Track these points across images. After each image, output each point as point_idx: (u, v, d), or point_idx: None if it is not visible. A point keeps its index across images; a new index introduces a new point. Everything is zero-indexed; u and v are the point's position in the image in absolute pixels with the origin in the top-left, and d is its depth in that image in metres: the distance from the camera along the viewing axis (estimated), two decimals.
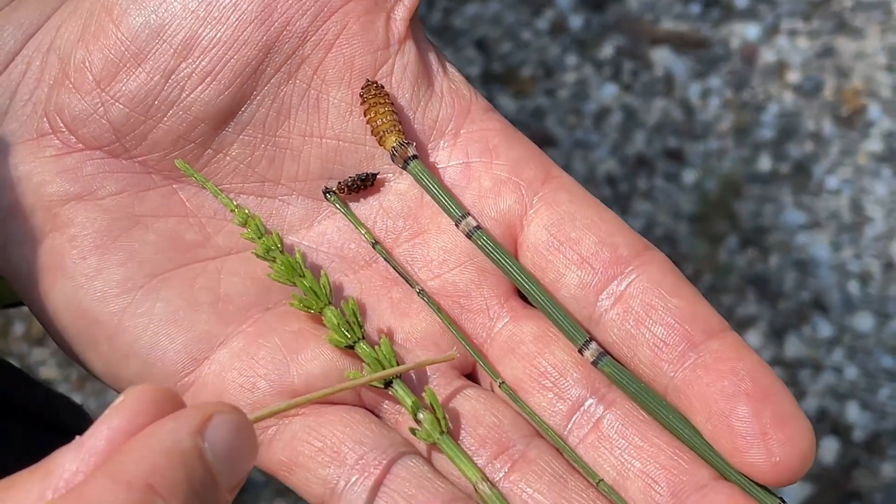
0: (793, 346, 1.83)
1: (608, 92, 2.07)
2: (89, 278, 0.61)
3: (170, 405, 0.46)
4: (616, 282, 0.59)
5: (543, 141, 1.97)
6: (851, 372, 1.82)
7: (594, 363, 0.59)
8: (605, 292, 0.60)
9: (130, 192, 0.62)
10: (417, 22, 0.64)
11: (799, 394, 1.78)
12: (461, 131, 0.64)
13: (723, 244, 1.92)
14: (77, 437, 0.45)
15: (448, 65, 0.65)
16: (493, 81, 2.06)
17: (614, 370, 0.58)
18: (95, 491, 0.42)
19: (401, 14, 0.63)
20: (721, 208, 1.95)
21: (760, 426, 0.55)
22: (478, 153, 0.63)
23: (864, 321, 1.85)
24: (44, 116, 0.62)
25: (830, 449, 1.76)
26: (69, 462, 0.44)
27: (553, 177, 0.62)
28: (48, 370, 1.84)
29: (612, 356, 0.59)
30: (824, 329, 1.85)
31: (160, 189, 0.63)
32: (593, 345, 0.59)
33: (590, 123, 2.03)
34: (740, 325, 1.83)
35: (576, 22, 2.13)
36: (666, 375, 0.57)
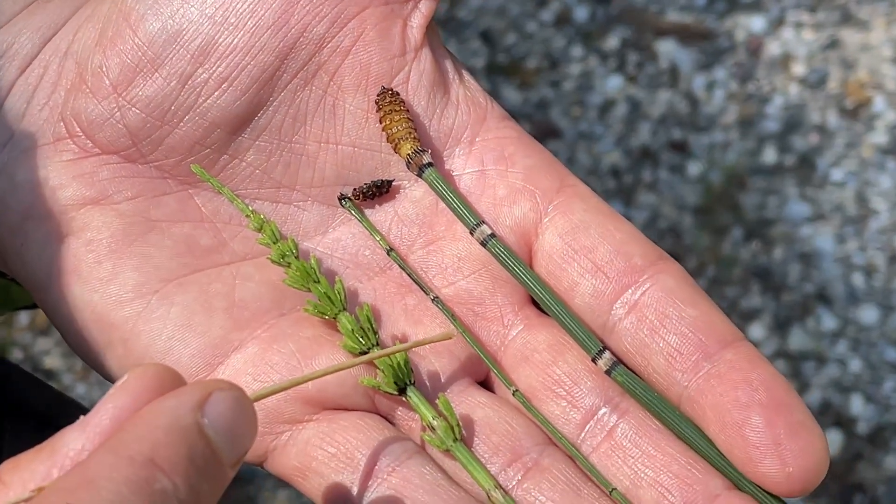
0: (797, 339, 1.83)
1: (613, 84, 2.07)
2: (104, 282, 0.61)
3: (172, 383, 0.47)
4: (630, 291, 0.60)
5: (548, 133, 1.97)
6: (855, 364, 1.82)
7: (607, 372, 0.59)
8: (619, 301, 0.60)
9: (146, 196, 0.62)
10: (434, 29, 0.64)
11: (803, 386, 1.79)
12: (477, 139, 0.64)
13: (727, 236, 1.92)
14: (82, 417, 0.46)
15: (464, 72, 0.65)
16: (497, 73, 2.06)
17: (627, 379, 0.59)
18: (98, 466, 0.43)
19: (417, 21, 0.63)
20: (725, 200, 1.95)
21: (774, 436, 0.55)
22: (493, 161, 0.63)
23: (868, 314, 1.86)
24: (60, 121, 0.62)
25: (834, 441, 1.76)
26: (74, 440, 0.45)
27: (568, 185, 0.63)
28: (52, 360, 1.84)
29: (625, 365, 0.59)
30: (828, 321, 1.85)
31: (176, 194, 0.63)
32: (607, 354, 0.59)
33: (594, 115, 2.04)
34: (744, 318, 1.83)
35: (581, 13, 2.13)
36: (679, 385, 0.58)
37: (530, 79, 2.06)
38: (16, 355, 1.82)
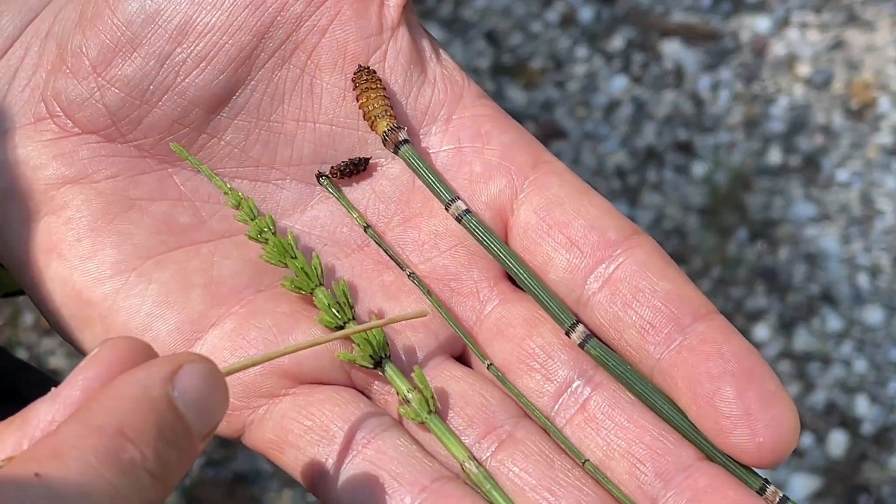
0: (802, 339, 1.83)
1: (618, 84, 2.07)
2: (84, 260, 0.61)
3: (143, 356, 0.47)
4: (604, 265, 0.60)
5: (553, 133, 1.98)
6: (860, 365, 1.82)
7: (581, 345, 0.59)
8: (593, 275, 0.60)
9: (126, 175, 0.63)
10: (411, 8, 0.65)
11: (808, 387, 1.79)
12: (453, 117, 0.64)
13: (732, 237, 1.92)
14: (53, 389, 0.46)
15: (441, 51, 0.66)
16: (502, 73, 2.07)
17: (601, 352, 0.59)
18: (67, 436, 0.44)
19: (394, 0, 0.63)
20: (730, 201, 1.95)
21: (744, 407, 0.55)
22: (469, 138, 0.64)
23: (873, 314, 1.86)
24: (41, 101, 0.62)
25: (839, 442, 1.76)
26: (45, 412, 0.45)
27: (543, 162, 0.63)
28: (57, 360, 1.85)
29: (599, 338, 0.60)
30: (833, 322, 1.85)
31: (155, 173, 0.63)
32: (580, 327, 0.60)
33: (599, 116, 2.04)
34: (749, 318, 1.83)
35: (586, 14, 2.13)
36: (652, 357, 0.58)
37: (535, 79, 2.06)
38: (21, 355, 1.82)
